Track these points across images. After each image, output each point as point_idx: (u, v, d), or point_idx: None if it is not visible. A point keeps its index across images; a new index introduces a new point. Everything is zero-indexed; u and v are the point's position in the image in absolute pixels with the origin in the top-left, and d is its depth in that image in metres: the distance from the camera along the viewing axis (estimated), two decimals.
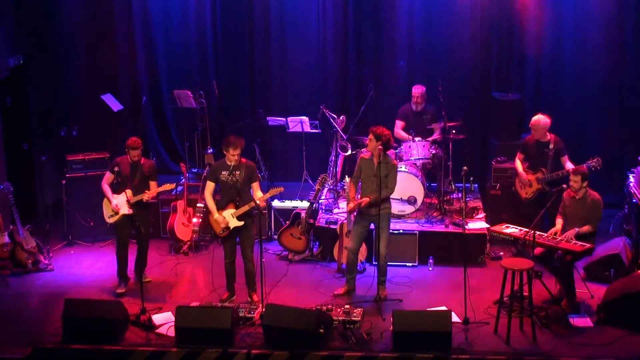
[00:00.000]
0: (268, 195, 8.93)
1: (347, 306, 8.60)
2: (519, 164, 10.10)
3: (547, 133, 9.86)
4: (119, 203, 9.16)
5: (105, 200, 9.28)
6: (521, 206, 10.17)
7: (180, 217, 10.60)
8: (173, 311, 8.48)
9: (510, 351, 7.96)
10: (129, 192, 9.13)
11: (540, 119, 9.83)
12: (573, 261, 8.69)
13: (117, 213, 9.18)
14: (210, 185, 8.87)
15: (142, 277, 9.26)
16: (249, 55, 12.42)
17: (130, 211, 9.09)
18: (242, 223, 8.76)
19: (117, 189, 9.25)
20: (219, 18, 12.37)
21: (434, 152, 10.77)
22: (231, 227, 8.78)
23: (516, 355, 7.89)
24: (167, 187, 9.40)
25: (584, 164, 9.25)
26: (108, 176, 9.29)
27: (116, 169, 9.14)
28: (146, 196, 9.14)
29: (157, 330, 8.38)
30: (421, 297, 9.19)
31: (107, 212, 9.30)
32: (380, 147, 8.75)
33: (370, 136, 8.83)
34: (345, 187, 10.79)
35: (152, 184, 9.32)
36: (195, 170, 12.06)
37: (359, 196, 9.03)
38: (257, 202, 8.65)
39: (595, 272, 9.42)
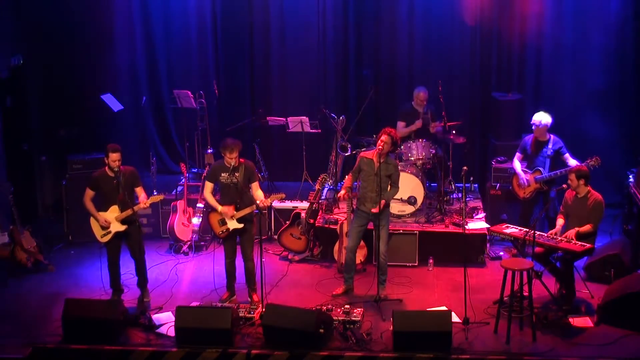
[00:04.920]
0: (269, 200, 8.94)
1: (347, 306, 8.60)
2: (517, 164, 10.12)
3: (547, 133, 9.89)
4: (108, 220, 8.76)
5: (92, 219, 8.82)
6: (521, 206, 10.17)
7: (180, 217, 10.60)
8: (173, 311, 8.48)
9: (510, 351, 7.96)
10: (115, 208, 8.76)
11: (544, 116, 9.85)
12: (573, 261, 8.69)
13: (109, 231, 8.77)
14: (209, 185, 8.88)
15: (144, 294, 8.99)
16: (249, 55, 12.41)
17: (123, 227, 8.78)
18: (241, 226, 8.76)
19: (101, 206, 8.81)
20: (219, 18, 12.37)
21: (433, 152, 10.78)
22: (230, 229, 8.78)
23: (516, 355, 7.89)
24: (156, 198, 9.07)
25: (583, 163, 9.28)
26: (89, 193, 8.80)
27: (114, 181, 8.68)
28: (137, 207, 8.72)
29: (157, 330, 8.38)
30: (421, 297, 9.19)
31: (97, 231, 8.81)
32: (391, 148, 8.81)
33: (387, 138, 8.77)
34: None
35: (138, 190, 8.87)
36: (195, 170, 12.06)
37: (356, 191, 9.07)
38: (259, 204, 8.64)
39: (595, 272, 9.42)
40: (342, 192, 9.02)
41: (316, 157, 11.85)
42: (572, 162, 9.69)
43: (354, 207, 9.24)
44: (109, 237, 8.84)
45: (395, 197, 9.44)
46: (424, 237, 10.10)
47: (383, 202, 8.83)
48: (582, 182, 8.75)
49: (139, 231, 8.93)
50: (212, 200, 8.85)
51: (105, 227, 8.79)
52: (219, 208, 8.76)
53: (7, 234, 9.86)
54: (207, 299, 9.04)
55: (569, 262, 8.65)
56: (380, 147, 8.76)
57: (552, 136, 9.90)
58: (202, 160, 11.89)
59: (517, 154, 10.16)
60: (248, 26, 12.30)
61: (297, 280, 9.72)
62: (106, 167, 8.77)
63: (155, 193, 10.86)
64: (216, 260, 9.60)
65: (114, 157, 8.66)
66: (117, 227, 8.82)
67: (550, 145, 9.85)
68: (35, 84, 11.77)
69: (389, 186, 8.98)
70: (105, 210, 8.81)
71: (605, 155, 10.34)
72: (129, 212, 8.72)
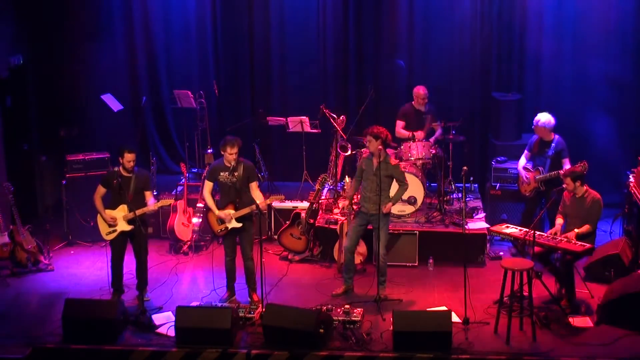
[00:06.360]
0: (268, 201, 8.96)
1: (347, 306, 8.60)
2: (521, 161, 10.14)
3: (552, 133, 9.89)
4: (114, 217, 8.80)
5: (99, 216, 8.88)
6: (525, 204, 10.19)
7: (180, 217, 10.59)
8: (173, 311, 8.48)
9: (510, 351, 7.96)
10: (123, 207, 8.78)
11: (543, 116, 9.86)
12: (573, 261, 8.69)
13: (115, 230, 8.81)
14: (208, 185, 8.88)
15: (143, 294, 8.99)
16: (249, 55, 12.42)
17: (129, 227, 8.80)
18: (240, 225, 8.76)
19: (111, 205, 8.85)
20: (219, 18, 12.38)
21: (433, 152, 10.78)
22: (229, 228, 8.78)
23: (516, 355, 7.89)
24: (165, 202, 9.10)
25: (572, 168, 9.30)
26: (100, 190, 8.88)
27: (114, 181, 8.72)
28: (139, 211, 8.70)
29: (157, 330, 8.38)
30: (421, 297, 9.19)
31: (103, 229, 8.88)
32: (380, 146, 8.79)
33: (369, 137, 8.83)
34: (345, 186, 10.82)
35: (147, 193, 8.91)
36: (195, 170, 12.06)
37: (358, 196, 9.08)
38: (258, 205, 8.64)
39: (595, 272, 9.42)
40: (346, 202, 9.15)
41: (316, 157, 11.84)
42: (567, 167, 9.68)
43: (355, 208, 9.24)
44: (113, 235, 8.87)
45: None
46: (424, 237, 10.10)
47: (390, 205, 8.85)
48: (578, 183, 8.78)
49: (143, 233, 8.91)
50: (210, 202, 8.85)
51: (112, 224, 8.81)
52: (217, 212, 8.75)
53: (7, 234, 9.86)
54: (207, 299, 9.04)
55: (569, 262, 8.65)
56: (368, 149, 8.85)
57: (556, 137, 9.90)
58: (202, 160, 11.90)
59: (525, 152, 10.19)
60: (248, 26, 12.31)
61: (297, 280, 9.72)
62: (120, 167, 8.80)
63: (155, 193, 10.88)
64: (216, 260, 9.61)
65: (129, 157, 8.71)
66: (123, 226, 8.84)
67: (553, 145, 9.86)
68: (35, 84, 11.76)
69: (396, 185, 8.99)
70: (114, 208, 8.85)
71: (605, 155, 10.35)
72: (132, 214, 8.72)
